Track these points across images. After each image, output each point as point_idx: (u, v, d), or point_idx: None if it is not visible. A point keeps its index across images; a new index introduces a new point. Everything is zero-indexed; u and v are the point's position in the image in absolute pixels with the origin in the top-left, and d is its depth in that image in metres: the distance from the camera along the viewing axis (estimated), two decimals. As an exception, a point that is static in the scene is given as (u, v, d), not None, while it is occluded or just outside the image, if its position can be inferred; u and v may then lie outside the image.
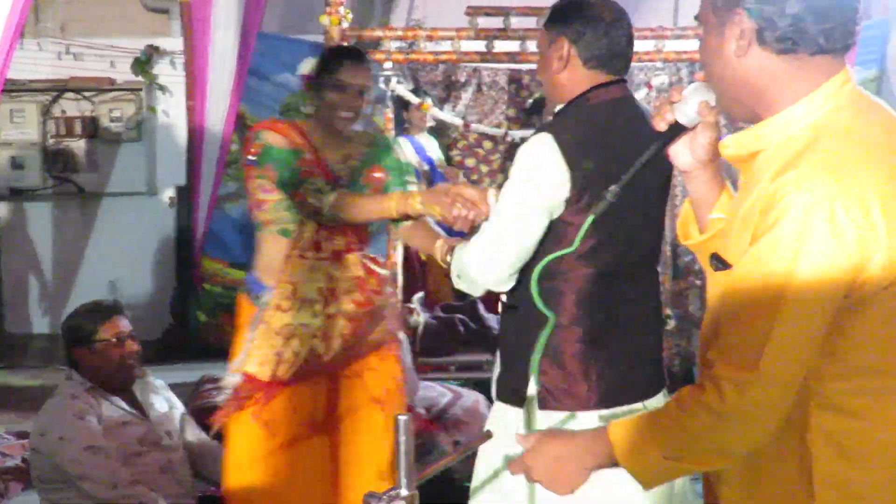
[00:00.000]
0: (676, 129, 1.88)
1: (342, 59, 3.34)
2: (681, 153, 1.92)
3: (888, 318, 1.64)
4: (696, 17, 1.79)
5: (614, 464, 1.80)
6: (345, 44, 5.27)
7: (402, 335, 4.86)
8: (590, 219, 2.16)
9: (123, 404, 3.72)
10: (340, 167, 3.41)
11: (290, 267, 3.32)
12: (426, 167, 6.95)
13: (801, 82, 1.70)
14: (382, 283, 3.52)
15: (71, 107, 7.89)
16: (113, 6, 8.02)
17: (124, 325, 3.77)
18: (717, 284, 1.82)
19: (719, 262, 1.78)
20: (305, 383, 3.37)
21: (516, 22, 5.31)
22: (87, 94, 7.87)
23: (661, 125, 1.88)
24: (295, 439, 3.38)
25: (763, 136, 1.73)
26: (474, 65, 7.54)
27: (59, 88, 7.84)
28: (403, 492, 1.75)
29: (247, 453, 3.36)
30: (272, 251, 3.37)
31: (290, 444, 3.36)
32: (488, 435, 2.16)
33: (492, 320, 6.13)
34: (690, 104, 1.85)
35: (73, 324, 3.78)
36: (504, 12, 5.28)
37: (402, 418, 1.82)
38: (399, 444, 1.80)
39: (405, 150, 6.97)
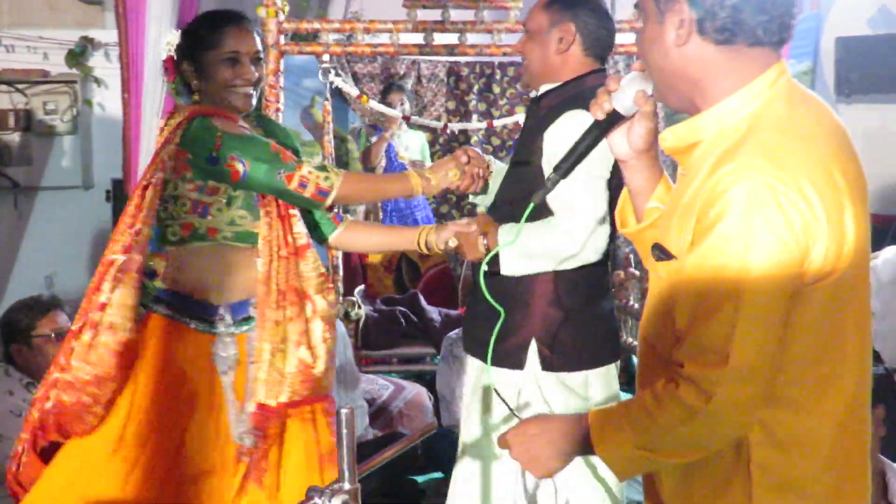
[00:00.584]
0: (614, 118, 1.87)
1: (224, 25, 2.84)
2: (618, 142, 1.91)
3: (825, 310, 1.66)
4: (636, 6, 1.80)
5: (591, 451, 1.80)
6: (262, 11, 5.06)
7: (341, 328, 4.86)
8: (531, 206, 2.18)
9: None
10: None
11: (275, 270, 2.83)
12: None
13: (738, 73, 1.72)
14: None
15: (4, 99, 7.74)
16: (45, -5, 7.90)
17: (63, 320, 3.74)
18: (658, 275, 1.83)
19: (661, 253, 1.79)
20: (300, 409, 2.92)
21: (455, 14, 5.30)
22: (20, 86, 7.73)
23: (598, 114, 1.87)
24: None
25: (700, 128, 1.75)
26: (413, 57, 7.55)
27: (-9, 82, 7.71)
28: (346, 485, 1.74)
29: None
30: (221, 263, 2.88)
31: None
32: (431, 427, 2.18)
33: (433, 313, 6.17)
34: (627, 93, 1.84)
35: (11, 318, 3.74)
36: (442, 5, 5.27)
37: (344, 411, 1.81)
38: (340, 437, 1.79)
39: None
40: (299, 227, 2.91)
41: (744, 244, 1.57)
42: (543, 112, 2.95)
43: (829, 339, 1.70)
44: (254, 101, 2.90)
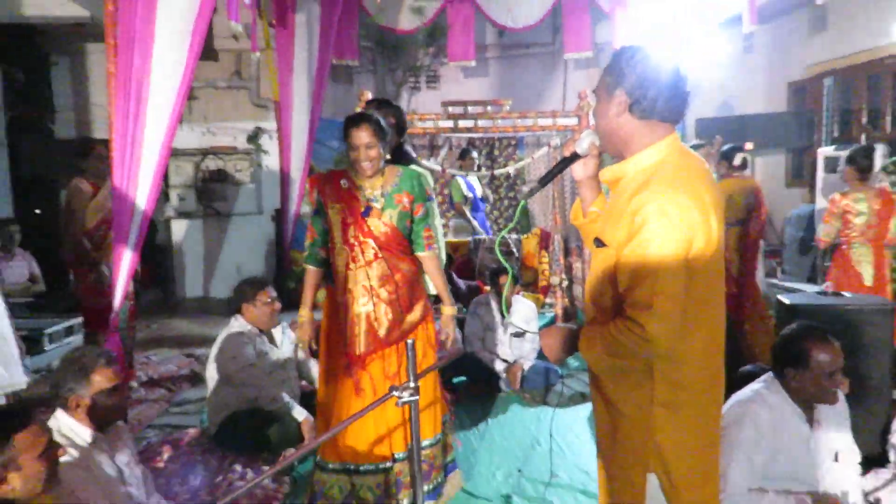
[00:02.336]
0: (575, 156, 1.87)
1: (347, 126, 2.73)
2: (578, 170, 1.90)
3: (703, 280, 1.64)
4: (594, 91, 1.80)
5: (576, 351, 1.77)
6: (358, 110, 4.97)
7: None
8: (522, 203, 2.16)
9: (266, 339, 3.68)
10: (375, 194, 2.78)
11: (351, 277, 2.77)
12: (470, 195, 6.85)
13: (650, 136, 1.70)
14: (408, 279, 2.84)
15: (211, 164, 7.85)
16: (234, 102, 7.96)
17: (272, 291, 3.72)
18: (598, 257, 1.78)
19: (600, 243, 1.76)
20: (375, 355, 2.80)
21: (472, 109, 5.31)
22: (220, 156, 7.82)
23: (566, 152, 1.88)
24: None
25: (626, 168, 1.73)
26: (447, 134, 7.51)
27: (204, 153, 7.79)
28: (412, 383, 1.80)
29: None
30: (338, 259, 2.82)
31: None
32: (460, 351, 2.17)
33: (461, 283, 6.08)
34: (584, 142, 1.85)
35: (243, 288, 3.71)
36: (464, 103, 5.28)
37: (409, 342, 1.84)
38: (409, 358, 1.84)
39: (460, 184, 6.78)
40: (369, 249, 2.77)
41: (659, 239, 1.56)
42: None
43: (705, 296, 1.67)
44: (374, 169, 2.75)
